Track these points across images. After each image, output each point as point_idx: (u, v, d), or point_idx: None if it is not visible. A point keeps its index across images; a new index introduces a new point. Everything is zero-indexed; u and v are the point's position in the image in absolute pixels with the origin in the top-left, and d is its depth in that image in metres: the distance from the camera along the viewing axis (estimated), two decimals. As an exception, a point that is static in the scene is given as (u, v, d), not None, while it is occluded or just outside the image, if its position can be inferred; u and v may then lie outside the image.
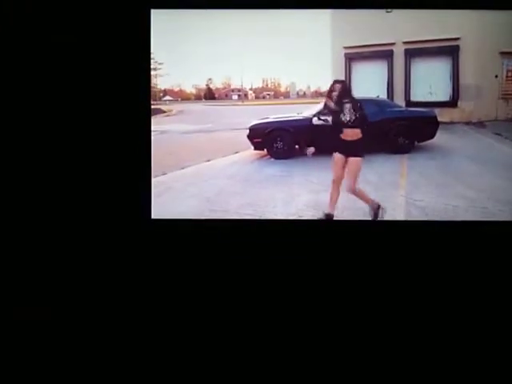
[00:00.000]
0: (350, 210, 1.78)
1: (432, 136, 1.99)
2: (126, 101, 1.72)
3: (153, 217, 1.76)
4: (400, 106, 2.11)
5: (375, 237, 1.70)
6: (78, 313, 1.70)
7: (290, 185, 1.97)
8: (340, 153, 1.85)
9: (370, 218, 1.78)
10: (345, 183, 1.83)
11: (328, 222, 1.78)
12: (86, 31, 1.70)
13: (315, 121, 1.96)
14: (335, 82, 1.86)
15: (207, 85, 2.25)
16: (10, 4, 1.69)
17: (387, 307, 1.67)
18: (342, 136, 1.86)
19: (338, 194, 1.82)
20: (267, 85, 2.31)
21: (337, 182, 1.83)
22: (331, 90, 1.84)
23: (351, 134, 1.85)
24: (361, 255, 1.70)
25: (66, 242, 1.73)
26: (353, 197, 1.81)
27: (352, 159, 1.85)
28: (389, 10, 1.80)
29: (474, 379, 1.55)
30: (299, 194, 1.91)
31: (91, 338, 1.67)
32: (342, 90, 1.84)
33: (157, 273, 1.73)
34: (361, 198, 1.82)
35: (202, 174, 2.08)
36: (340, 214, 1.78)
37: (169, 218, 1.77)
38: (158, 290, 1.72)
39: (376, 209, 1.79)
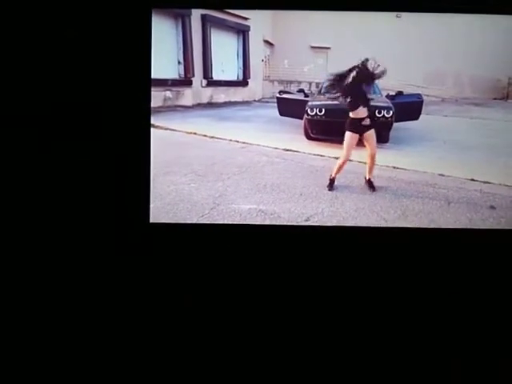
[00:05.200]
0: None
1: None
2: (125, 102, 1.65)
3: (151, 221, 1.69)
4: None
5: (377, 243, 1.70)
6: (76, 317, 1.65)
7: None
8: (354, 132, 1.95)
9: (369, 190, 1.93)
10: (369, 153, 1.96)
11: (331, 228, 1.78)
12: (86, 29, 1.65)
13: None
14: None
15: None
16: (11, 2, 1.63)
17: (387, 313, 1.68)
18: (352, 115, 1.96)
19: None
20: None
21: (346, 162, 1.96)
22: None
23: (361, 113, 1.96)
24: (361, 261, 1.69)
25: (61, 247, 1.67)
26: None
27: (368, 133, 1.96)
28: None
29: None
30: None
31: (89, 341, 1.63)
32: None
33: (155, 279, 1.68)
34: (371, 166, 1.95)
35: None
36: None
37: (167, 222, 1.71)
38: (156, 296, 1.67)
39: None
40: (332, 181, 1.94)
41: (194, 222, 1.74)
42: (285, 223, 1.75)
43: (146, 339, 1.64)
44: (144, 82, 1.66)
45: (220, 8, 1.97)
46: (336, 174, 1.95)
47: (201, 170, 1.99)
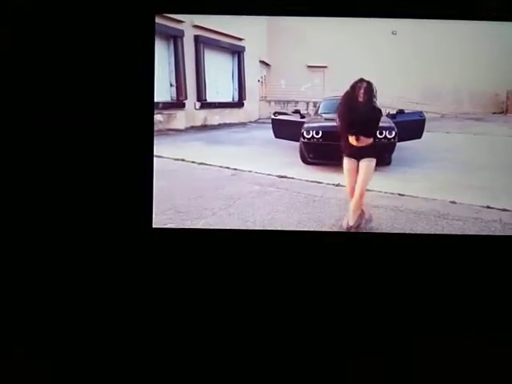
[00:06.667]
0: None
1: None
2: (128, 107, 1.69)
3: (154, 226, 1.70)
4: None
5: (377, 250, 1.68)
6: (78, 321, 1.66)
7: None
8: (351, 157, 1.78)
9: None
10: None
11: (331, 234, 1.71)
12: (88, 35, 1.68)
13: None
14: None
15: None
16: (12, 6, 1.68)
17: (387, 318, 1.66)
18: (351, 141, 1.79)
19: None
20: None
21: (352, 190, 1.76)
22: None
23: (361, 140, 1.78)
24: (362, 268, 1.68)
25: (63, 252, 1.68)
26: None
27: (364, 162, 1.77)
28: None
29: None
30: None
31: (92, 346, 1.64)
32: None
33: (158, 284, 1.68)
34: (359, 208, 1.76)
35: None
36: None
37: (170, 228, 1.71)
38: (159, 303, 1.68)
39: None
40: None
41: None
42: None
43: (149, 344, 1.65)
44: (148, 87, 1.70)
45: (221, 14, 1.88)
46: (354, 220, 1.75)
47: (182, 205, 1.85)
